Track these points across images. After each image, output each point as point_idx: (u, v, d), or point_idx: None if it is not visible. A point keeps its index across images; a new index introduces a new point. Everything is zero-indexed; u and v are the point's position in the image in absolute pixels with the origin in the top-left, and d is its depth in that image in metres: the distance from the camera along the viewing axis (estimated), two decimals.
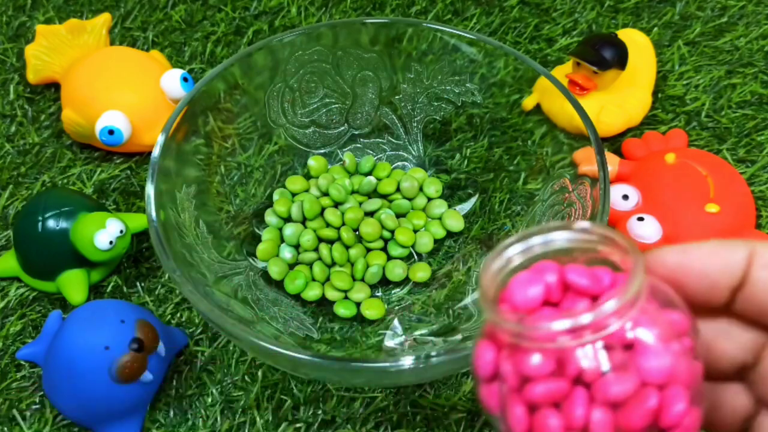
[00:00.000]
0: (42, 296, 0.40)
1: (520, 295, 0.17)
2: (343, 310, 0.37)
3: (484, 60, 0.39)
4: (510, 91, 0.39)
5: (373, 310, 0.37)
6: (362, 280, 0.39)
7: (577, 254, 0.18)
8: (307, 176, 0.43)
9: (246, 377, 0.37)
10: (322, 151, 0.43)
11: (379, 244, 0.40)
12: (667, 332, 0.16)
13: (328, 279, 0.39)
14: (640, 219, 0.40)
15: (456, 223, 0.41)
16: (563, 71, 0.46)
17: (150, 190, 0.32)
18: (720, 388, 0.20)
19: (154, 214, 0.32)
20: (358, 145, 0.44)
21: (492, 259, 0.18)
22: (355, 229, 0.40)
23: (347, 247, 0.39)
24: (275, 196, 0.41)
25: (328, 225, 0.40)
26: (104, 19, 0.50)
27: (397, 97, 0.42)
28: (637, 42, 0.48)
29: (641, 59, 0.47)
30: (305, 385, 0.37)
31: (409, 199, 0.42)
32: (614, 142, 0.47)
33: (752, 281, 0.17)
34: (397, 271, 0.39)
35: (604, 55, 0.43)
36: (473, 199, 0.42)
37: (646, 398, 0.15)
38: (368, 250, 0.40)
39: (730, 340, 0.19)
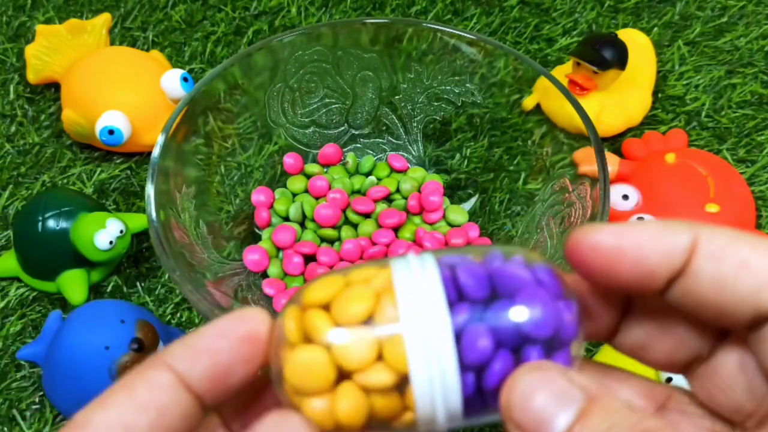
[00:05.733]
0: (42, 296, 0.40)
1: None
2: None
3: (484, 60, 0.39)
4: (510, 91, 0.39)
5: None
6: None
7: None
8: (308, 176, 0.42)
9: None
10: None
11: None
12: None
13: None
14: (640, 219, 0.40)
15: (459, 218, 0.41)
16: (563, 71, 0.46)
17: (150, 190, 0.32)
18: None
19: (154, 214, 0.32)
20: (358, 145, 0.44)
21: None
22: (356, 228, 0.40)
23: None
24: (276, 196, 0.41)
25: None
26: (104, 19, 0.49)
27: (397, 97, 0.42)
28: (637, 42, 0.48)
29: (641, 59, 0.47)
30: None
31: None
32: (614, 142, 0.47)
33: (693, 272, 0.15)
34: None
35: (604, 55, 0.43)
36: (473, 199, 0.42)
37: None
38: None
39: (668, 335, 0.17)
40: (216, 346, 0.15)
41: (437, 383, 0.15)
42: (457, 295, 0.15)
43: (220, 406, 0.16)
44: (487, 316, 0.15)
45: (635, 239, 0.15)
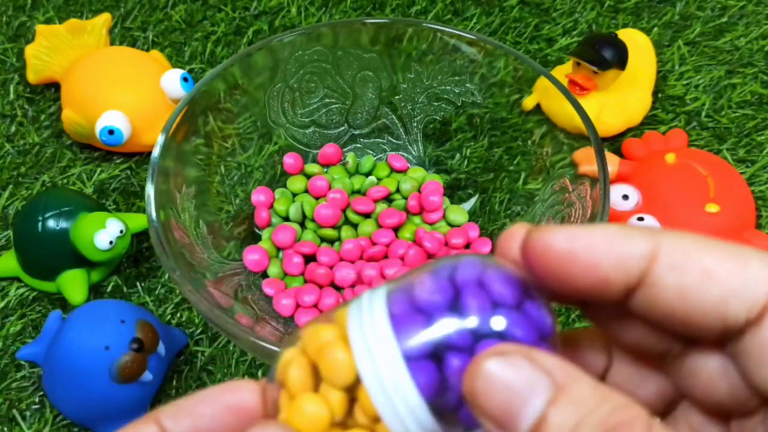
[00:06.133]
0: (42, 296, 0.40)
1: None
2: None
3: (484, 60, 0.39)
4: (510, 91, 0.39)
5: None
6: None
7: None
8: (308, 176, 0.42)
9: (246, 377, 0.37)
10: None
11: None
12: None
13: None
14: (640, 219, 0.40)
15: (459, 218, 0.41)
16: (563, 71, 0.46)
17: (150, 190, 0.32)
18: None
19: (154, 214, 0.32)
20: (358, 145, 0.44)
21: None
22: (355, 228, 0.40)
23: None
24: (276, 196, 0.41)
25: None
26: (104, 19, 0.49)
27: (397, 97, 0.42)
28: (637, 42, 0.48)
29: (641, 59, 0.47)
30: None
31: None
32: (614, 142, 0.47)
33: (652, 283, 0.14)
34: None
35: (604, 55, 0.43)
36: (473, 199, 0.42)
37: None
38: None
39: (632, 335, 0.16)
40: (199, 410, 0.16)
41: (408, 420, 0.15)
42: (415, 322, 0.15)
43: None
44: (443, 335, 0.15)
45: (588, 244, 0.15)
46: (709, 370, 0.16)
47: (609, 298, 0.15)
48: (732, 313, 0.14)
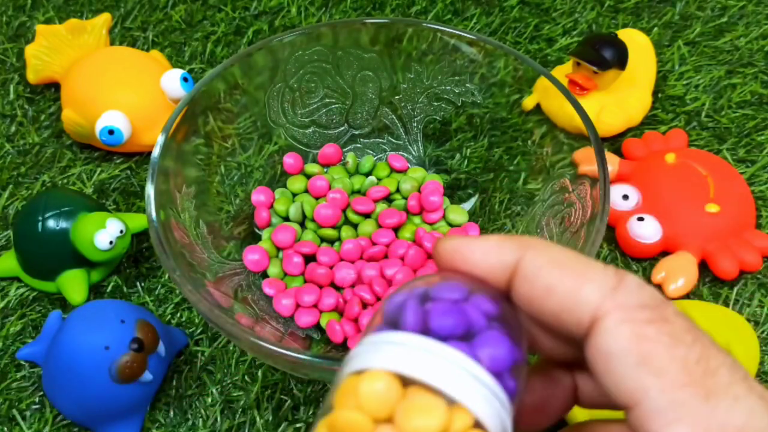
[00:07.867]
0: (42, 296, 0.40)
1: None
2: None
3: (484, 60, 0.39)
4: (510, 91, 0.39)
5: None
6: None
7: None
8: (308, 176, 0.42)
9: (246, 377, 0.37)
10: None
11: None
12: None
13: None
14: (640, 219, 0.40)
15: (459, 218, 0.41)
16: (563, 71, 0.46)
17: (150, 190, 0.32)
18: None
19: (154, 214, 0.32)
20: (358, 145, 0.44)
21: None
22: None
23: None
24: (276, 196, 0.41)
25: None
26: (104, 19, 0.50)
27: (397, 97, 0.42)
28: (637, 42, 0.48)
29: (641, 59, 0.47)
30: (305, 385, 0.37)
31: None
32: (614, 142, 0.47)
33: (514, 289, 0.17)
34: None
35: (604, 55, 0.43)
36: (473, 199, 0.42)
37: None
38: None
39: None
40: None
41: (497, 404, 0.16)
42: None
43: None
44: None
45: (465, 256, 0.18)
46: (586, 381, 0.19)
47: (499, 286, 0.18)
48: (566, 326, 0.17)
